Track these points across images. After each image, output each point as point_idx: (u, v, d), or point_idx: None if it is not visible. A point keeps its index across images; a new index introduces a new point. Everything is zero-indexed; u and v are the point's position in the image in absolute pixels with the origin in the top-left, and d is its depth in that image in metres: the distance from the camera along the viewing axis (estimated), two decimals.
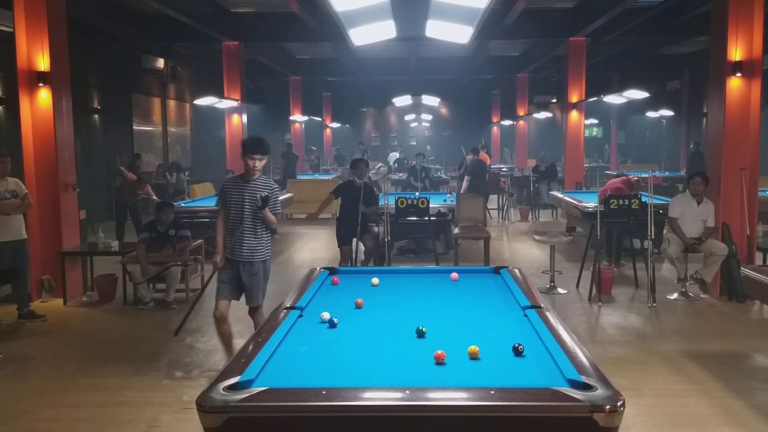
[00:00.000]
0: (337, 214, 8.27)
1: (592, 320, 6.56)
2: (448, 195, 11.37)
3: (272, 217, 4.85)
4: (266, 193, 4.75)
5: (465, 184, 12.41)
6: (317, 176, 18.31)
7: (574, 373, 2.62)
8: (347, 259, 7.95)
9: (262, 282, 4.94)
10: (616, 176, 10.23)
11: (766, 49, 7.36)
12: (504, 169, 18.35)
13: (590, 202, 9.49)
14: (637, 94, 11.94)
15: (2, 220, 6.39)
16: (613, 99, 14.35)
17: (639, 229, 7.83)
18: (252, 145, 4.76)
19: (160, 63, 15.52)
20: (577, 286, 7.75)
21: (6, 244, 6.43)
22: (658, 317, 6.60)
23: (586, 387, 2.49)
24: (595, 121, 24.22)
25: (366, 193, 7.79)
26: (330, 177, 17.51)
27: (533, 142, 22.47)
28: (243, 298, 5.00)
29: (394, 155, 21.13)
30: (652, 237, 7.03)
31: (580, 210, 9.74)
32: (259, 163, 4.74)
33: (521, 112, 19.84)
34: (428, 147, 24.81)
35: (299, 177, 16.71)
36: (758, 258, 7.80)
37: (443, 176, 17.25)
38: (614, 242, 8.93)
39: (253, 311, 5.02)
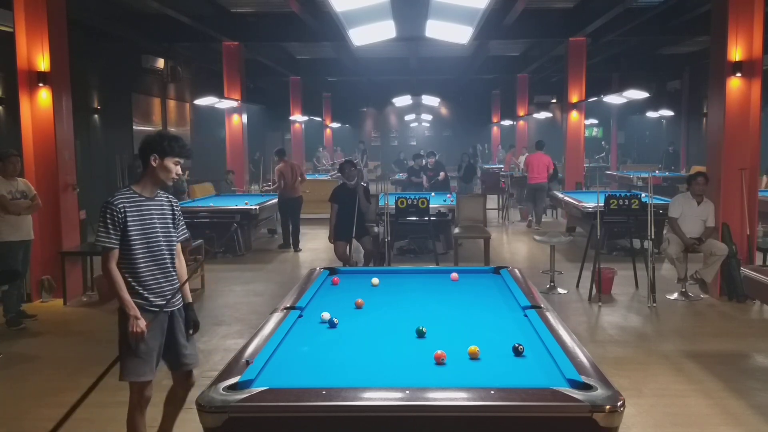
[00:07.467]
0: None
1: (592, 320, 6.56)
2: (448, 195, 11.36)
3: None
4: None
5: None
6: (317, 176, 18.27)
7: (574, 373, 2.63)
8: (341, 255, 7.99)
9: None
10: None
11: (766, 49, 7.36)
12: (503, 170, 18.32)
13: (590, 202, 9.50)
14: (637, 94, 11.93)
15: (15, 221, 6.38)
16: (613, 99, 14.33)
17: (639, 229, 7.84)
18: (178, 144, 3.41)
19: (160, 63, 15.50)
20: (577, 286, 7.75)
21: (19, 243, 6.45)
22: (658, 317, 6.60)
23: (586, 387, 2.49)
24: (595, 121, 24.19)
25: (362, 194, 7.98)
26: (328, 177, 17.45)
27: (533, 143, 22.41)
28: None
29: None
30: (652, 237, 7.03)
31: (580, 210, 9.74)
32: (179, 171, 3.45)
33: (521, 112, 19.82)
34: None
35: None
36: (758, 258, 7.80)
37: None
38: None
39: (189, 378, 3.60)
